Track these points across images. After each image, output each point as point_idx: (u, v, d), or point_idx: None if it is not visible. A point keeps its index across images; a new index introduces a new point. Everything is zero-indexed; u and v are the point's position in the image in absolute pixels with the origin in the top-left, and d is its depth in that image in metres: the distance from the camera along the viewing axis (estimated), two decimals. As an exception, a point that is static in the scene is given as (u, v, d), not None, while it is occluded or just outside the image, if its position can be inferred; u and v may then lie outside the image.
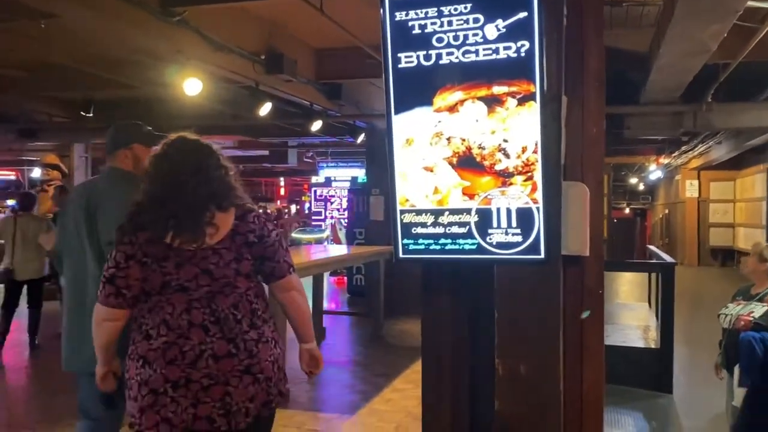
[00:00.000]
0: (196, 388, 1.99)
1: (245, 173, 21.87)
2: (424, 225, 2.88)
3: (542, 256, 2.72)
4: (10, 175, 22.61)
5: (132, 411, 2.08)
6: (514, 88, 2.70)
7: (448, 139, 2.80)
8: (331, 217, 16.78)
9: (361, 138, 9.01)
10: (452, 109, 2.77)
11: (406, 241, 2.92)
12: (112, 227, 2.29)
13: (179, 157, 2.15)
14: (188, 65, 5.37)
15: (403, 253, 2.94)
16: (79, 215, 2.91)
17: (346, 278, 12.32)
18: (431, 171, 2.83)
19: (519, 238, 2.75)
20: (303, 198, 25.84)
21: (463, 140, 2.78)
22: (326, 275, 11.88)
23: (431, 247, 2.89)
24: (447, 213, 2.83)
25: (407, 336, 7.97)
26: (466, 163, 2.79)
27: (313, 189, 18.07)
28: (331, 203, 17.28)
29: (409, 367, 6.16)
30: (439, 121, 2.81)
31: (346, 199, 16.38)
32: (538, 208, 2.70)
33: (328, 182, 17.98)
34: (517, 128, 2.69)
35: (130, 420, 2.10)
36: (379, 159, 9.86)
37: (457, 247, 2.86)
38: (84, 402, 2.83)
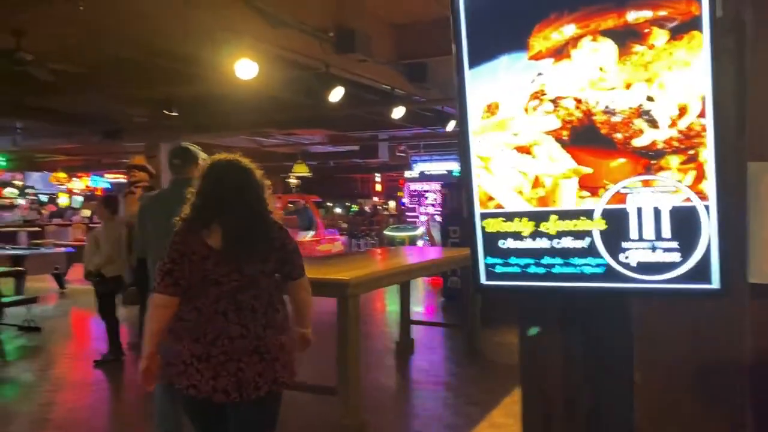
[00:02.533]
0: (215, 363, 2.37)
1: (339, 169, 21.39)
2: (518, 236, 1.90)
3: (715, 284, 1.68)
4: (121, 179, 23.32)
5: (169, 375, 2.45)
6: (663, 12, 1.67)
7: (555, 101, 1.81)
8: (425, 214, 15.89)
9: (451, 125, 8.02)
10: (560, 53, 1.77)
11: (490, 260, 1.95)
12: None
13: (222, 176, 2.50)
14: (241, 45, 4.64)
15: (487, 278, 1.96)
16: (161, 217, 3.31)
17: (441, 279, 11.29)
18: (528, 153, 1.84)
19: (675, 257, 1.71)
20: (398, 194, 25.07)
21: (579, 102, 1.77)
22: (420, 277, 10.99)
23: (530, 271, 1.90)
24: (555, 217, 1.83)
25: (507, 351, 6.91)
26: (585, 137, 1.79)
27: (406, 184, 17.22)
28: (426, 199, 16.35)
29: (509, 394, 5.13)
30: (539, 74, 1.81)
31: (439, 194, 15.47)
32: (707, 207, 1.66)
33: (422, 177, 17.06)
34: (669, 78, 1.66)
35: (168, 380, 2.49)
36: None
37: (571, 270, 1.85)
38: None
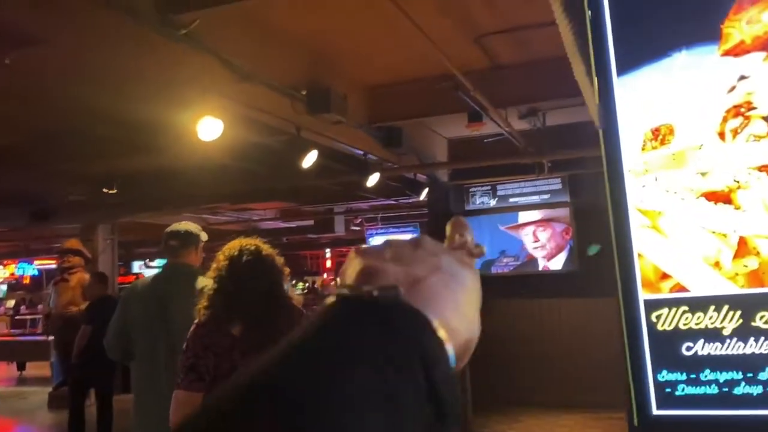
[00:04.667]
0: None
1: (289, 246, 20.51)
2: (715, 336, 1.22)
3: None
4: (52, 265, 21.79)
5: None
6: None
7: (769, 118, 1.19)
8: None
9: (424, 194, 7.45)
10: (776, 44, 1.16)
11: (667, 375, 1.25)
12: (188, 320, 2.76)
13: (244, 263, 2.49)
14: (205, 102, 3.95)
15: (662, 405, 1.26)
16: (152, 307, 3.25)
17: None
18: (728, 202, 1.20)
19: None
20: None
21: (813, 119, 1.16)
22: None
23: (738, 392, 1.22)
24: (778, 304, 1.17)
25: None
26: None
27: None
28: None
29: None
30: (742, 78, 1.20)
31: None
32: None
33: (379, 251, 16.37)
34: None
35: None
36: (443, 218, 8.22)
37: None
38: None
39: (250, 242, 2.59)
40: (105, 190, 8.96)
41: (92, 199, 9.23)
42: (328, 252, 25.84)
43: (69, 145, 6.87)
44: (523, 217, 7.80)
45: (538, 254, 7.66)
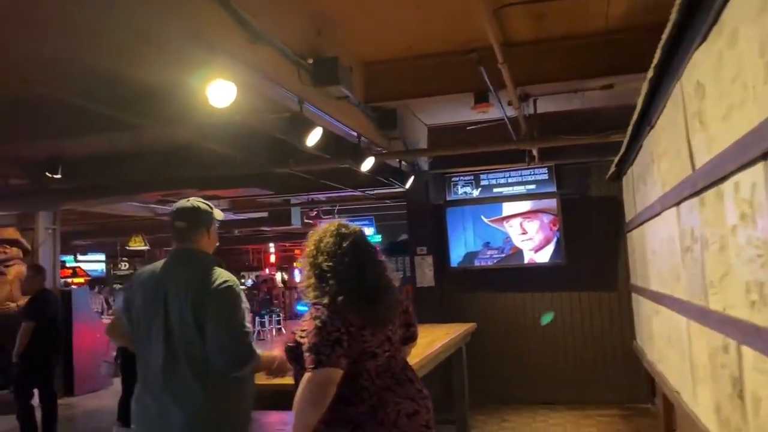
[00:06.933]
0: None
1: (235, 240, 19.63)
2: None
3: None
4: None
5: None
6: None
7: None
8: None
9: (410, 182, 7.03)
10: None
11: None
12: (185, 325, 2.67)
13: (358, 243, 2.45)
14: (211, 62, 3.38)
15: None
16: (152, 302, 2.78)
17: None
18: None
19: None
20: (295, 264, 23.52)
21: None
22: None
23: None
24: None
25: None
26: None
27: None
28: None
29: None
30: None
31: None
32: None
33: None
34: None
35: None
36: (424, 210, 7.84)
37: None
38: None
39: (335, 224, 2.50)
40: (48, 175, 8.07)
41: (32, 184, 8.31)
42: (272, 246, 25.00)
43: (14, 118, 6.05)
44: (509, 208, 7.51)
45: (526, 246, 7.39)
